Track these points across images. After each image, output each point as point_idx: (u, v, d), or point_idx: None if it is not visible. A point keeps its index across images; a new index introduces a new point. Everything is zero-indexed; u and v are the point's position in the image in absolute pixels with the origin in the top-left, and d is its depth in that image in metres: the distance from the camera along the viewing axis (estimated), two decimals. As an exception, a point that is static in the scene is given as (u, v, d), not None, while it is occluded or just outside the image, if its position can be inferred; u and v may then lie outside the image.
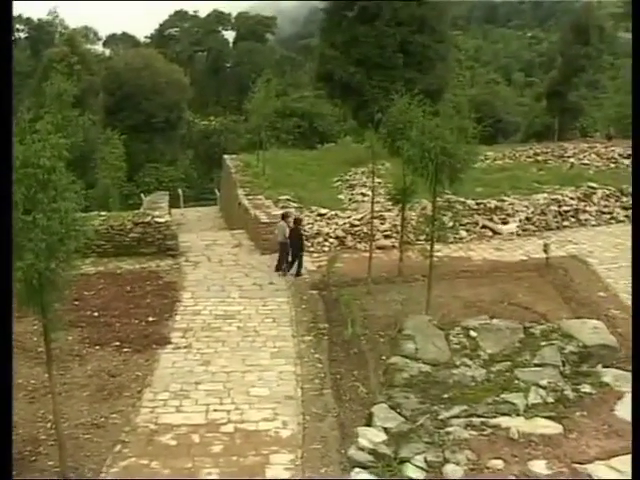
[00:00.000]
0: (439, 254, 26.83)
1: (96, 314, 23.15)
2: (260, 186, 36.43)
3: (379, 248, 29.18)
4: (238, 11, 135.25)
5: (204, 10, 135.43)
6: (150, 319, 22.98)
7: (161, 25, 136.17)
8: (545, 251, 27.68)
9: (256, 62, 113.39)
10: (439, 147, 20.25)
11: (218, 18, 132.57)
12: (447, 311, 22.04)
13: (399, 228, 27.73)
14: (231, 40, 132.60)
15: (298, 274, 27.06)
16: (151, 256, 29.21)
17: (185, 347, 21.16)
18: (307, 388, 18.73)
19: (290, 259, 27.49)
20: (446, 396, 12.63)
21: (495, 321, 15.72)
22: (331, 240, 30.39)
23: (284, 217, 28.30)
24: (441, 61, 61.99)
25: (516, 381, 13.28)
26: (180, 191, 56.81)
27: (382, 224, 30.95)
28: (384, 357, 18.34)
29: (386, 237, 30.46)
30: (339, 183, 39.36)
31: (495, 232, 31.91)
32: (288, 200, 33.85)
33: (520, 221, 32.67)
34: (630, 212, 34.44)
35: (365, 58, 57.76)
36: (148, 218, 30.08)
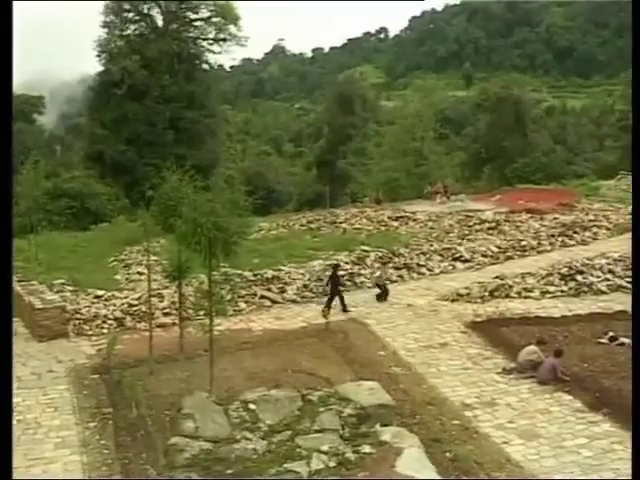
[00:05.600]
0: (220, 328, 26.78)
1: None
2: (33, 271, 35.34)
3: (159, 326, 28.74)
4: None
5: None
6: None
7: None
8: (324, 316, 28.22)
9: (24, 143, 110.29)
10: (211, 222, 20.38)
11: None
12: (232, 384, 21.98)
13: (178, 305, 27.53)
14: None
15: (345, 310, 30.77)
16: None
17: (-41, 447, 20.02)
18: (95, 477, 18.11)
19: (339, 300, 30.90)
20: (229, 472, 12.59)
21: (273, 392, 15.89)
22: (110, 322, 29.71)
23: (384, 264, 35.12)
24: (212, 136, 62.93)
25: (298, 449, 13.43)
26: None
27: (161, 302, 30.64)
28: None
29: (166, 315, 30.08)
30: (115, 263, 38.81)
31: (274, 301, 32.21)
32: (63, 284, 32.99)
33: (298, 289, 33.14)
34: (402, 272, 35.87)
35: (135, 136, 57.74)
36: None
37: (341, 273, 34.56)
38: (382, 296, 32.14)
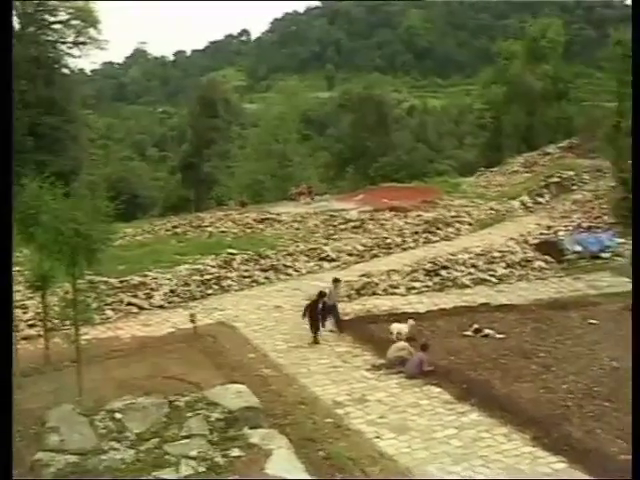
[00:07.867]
0: (87, 337, 26.25)
1: None
2: None
3: (24, 339, 27.94)
4: None
5: None
6: None
7: None
8: (192, 321, 28.02)
9: None
10: (72, 229, 19.99)
11: None
12: (101, 394, 21.55)
13: (43, 315, 26.86)
14: None
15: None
16: None
17: None
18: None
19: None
20: (98, 483, 12.48)
21: (140, 399, 15.73)
22: (-29, 336, 28.78)
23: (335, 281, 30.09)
24: (73, 141, 61.67)
25: (166, 456, 13.36)
26: None
27: (25, 313, 29.88)
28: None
29: (30, 326, 29.28)
30: (-25, 275, 37.60)
31: (141, 308, 31.81)
32: None
33: (165, 294, 32.80)
34: (269, 273, 36.00)
35: (-8, 143, 55.97)
36: None
37: (208, 277, 34.48)
38: (324, 319, 28.83)
